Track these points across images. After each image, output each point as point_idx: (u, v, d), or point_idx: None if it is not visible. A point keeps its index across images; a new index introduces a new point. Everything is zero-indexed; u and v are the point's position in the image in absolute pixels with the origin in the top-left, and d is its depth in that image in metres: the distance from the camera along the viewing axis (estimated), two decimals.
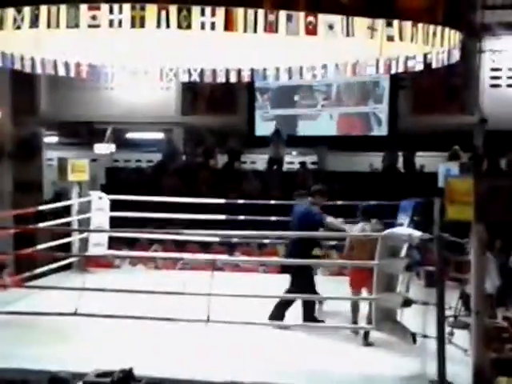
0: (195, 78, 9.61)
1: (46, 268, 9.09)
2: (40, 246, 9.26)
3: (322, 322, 7.09)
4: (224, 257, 9.00)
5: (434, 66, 7.25)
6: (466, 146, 13.65)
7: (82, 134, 18.41)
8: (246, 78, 9.55)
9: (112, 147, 17.60)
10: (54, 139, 19.22)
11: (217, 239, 10.07)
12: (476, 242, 5.10)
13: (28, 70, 8.56)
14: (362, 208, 7.34)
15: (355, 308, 6.82)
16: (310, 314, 7.06)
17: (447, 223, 5.88)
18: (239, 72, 9.37)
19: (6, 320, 6.97)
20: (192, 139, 17.27)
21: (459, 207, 5.09)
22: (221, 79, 9.52)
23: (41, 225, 9.07)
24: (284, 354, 6.18)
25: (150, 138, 19.03)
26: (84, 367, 5.42)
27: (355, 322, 6.80)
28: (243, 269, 10.48)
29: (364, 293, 6.69)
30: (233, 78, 9.53)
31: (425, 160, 14.84)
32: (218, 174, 15.30)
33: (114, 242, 10.44)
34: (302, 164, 15.78)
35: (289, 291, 7.22)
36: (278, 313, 7.08)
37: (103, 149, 17.43)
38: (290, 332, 6.83)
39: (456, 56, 7.15)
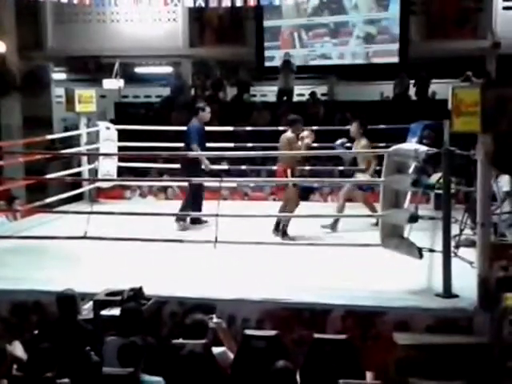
0: (200, 2, 9.46)
1: (56, 198, 9.13)
2: (50, 176, 9.30)
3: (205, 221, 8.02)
4: (229, 179, 8.93)
5: None
6: (478, 72, 13.33)
7: (91, 69, 18.19)
8: (252, 1, 9.38)
9: (120, 82, 17.40)
10: (63, 76, 19.04)
11: (226, 167, 10.05)
12: (482, 153, 5.02)
13: None
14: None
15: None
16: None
17: (456, 143, 5.81)
18: None
19: (17, 246, 7.07)
20: (200, 72, 17.00)
21: (466, 118, 4.99)
22: (226, 3, 9.36)
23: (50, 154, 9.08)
24: (291, 270, 6.23)
25: (158, 73, 18.81)
26: (94, 288, 5.52)
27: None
28: (252, 197, 10.50)
29: None
30: (239, 2, 9.36)
31: (437, 87, 14.58)
32: (227, 107, 15.15)
33: (124, 174, 10.43)
34: (312, 94, 15.54)
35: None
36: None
37: (112, 84, 17.25)
38: (296, 248, 6.89)
39: None
